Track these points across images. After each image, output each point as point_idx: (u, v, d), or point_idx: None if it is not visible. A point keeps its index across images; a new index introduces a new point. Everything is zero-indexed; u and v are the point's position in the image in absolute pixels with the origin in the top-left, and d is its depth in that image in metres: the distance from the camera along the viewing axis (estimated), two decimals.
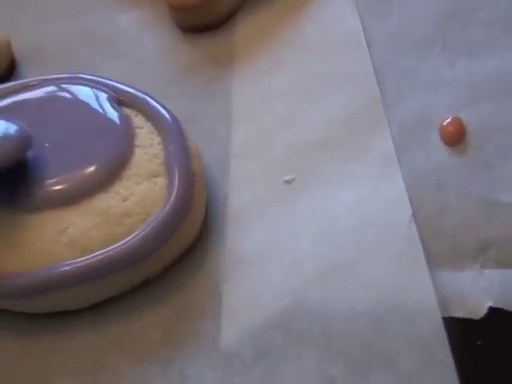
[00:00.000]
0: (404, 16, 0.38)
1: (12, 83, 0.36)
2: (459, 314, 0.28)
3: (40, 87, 0.35)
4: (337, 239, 0.31)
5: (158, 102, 0.34)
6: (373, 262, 0.30)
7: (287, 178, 0.34)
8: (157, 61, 0.41)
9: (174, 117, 0.33)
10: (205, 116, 0.37)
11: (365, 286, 0.29)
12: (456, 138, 0.33)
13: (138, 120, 0.34)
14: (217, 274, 0.31)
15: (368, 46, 0.37)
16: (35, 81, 0.36)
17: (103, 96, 0.34)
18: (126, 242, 0.29)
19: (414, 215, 0.31)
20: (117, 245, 0.29)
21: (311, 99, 0.36)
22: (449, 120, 0.33)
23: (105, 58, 0.41)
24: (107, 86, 0.35)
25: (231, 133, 0.36)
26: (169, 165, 0.32)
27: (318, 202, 0.33)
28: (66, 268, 0.29)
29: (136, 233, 0.30)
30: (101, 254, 0.29)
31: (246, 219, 0.33)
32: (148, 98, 0.34)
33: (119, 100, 0.34)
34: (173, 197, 0.30)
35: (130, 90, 0.35)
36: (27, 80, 0.36)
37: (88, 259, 0.29)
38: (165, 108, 0.34)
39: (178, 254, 0.31)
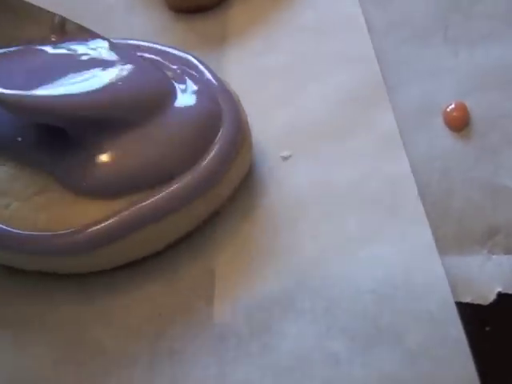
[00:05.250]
0: (404, 5, 0.38)
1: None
2: (467, 299, 0.27)
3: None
4: (337, 218, 0.30)
5: (186, 52, 0.34)
6: (378, 243, 0.29)
7: (284, 154, 0.33)
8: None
9: (197, 56, 0.33)
10: None
11: (370, 266, 0.28)
12: (460, 123, 0.32)
13: None
14: (210, 252, 0.30)
15: (368, 32, 0.37)
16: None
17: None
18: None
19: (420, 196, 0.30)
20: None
21: (308, 78, 0.35)
22: (453, 105, 0.32)
23: None
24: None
25: None
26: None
27: (317, 178, 0.31)
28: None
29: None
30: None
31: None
32: (172, 49, 0.34)
33: None
34: (226, 118, 0.30)
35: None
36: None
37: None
38: (182, 51, 0.33)
39: (228, 195, 0.30)
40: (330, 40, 0.37)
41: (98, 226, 0.28)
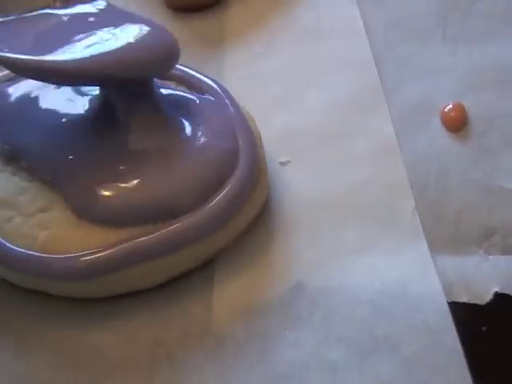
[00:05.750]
0: (402, 4, 0.38)
1: None
2: (464, 299, 0.27)
3: None
4: (335, 227, 0.30)
5: (201, 73, 0.33)
6: (375, 254, 0.29)
7: (282, 159, 0.33)
8: None
9: (222, 85, 0.32)
10: None
11: (367, 276, 0.28)
12: (458, 123, 0.32)
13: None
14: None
15: (365, 32, 0.37)
16: None
17: None
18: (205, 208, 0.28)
19: (416, 200, 0.30)
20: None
21: (307, 82, 0.35)
22: (450, 106, 0.33)
23: None
24: None
25: None
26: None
27: (315, 185, 0.31)
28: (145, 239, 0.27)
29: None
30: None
31: None
32: (189, 70, 0.33)
33: None
34: (244, 159, 0.29)
35: None
36: None
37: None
38: (209, 78, 0.33)
39: (239, 233, 0.29)
40: (328, 43, 0.37)
41: (94, 256, 0.27)
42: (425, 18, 0.37)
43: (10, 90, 0.31)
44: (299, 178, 0.32)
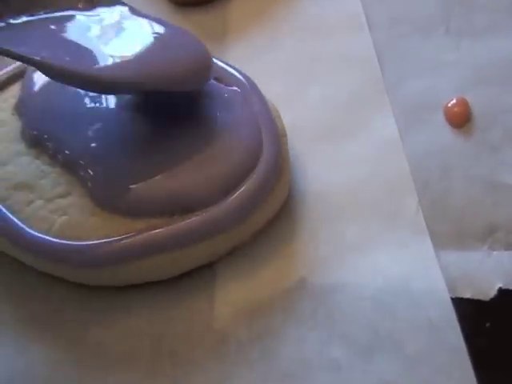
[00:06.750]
0: None
1: None
2: (468, 294, 0.27)
3: None
4: (338, 224, 0.30)
5: (227, 64, 0.32)
6: (378, 250, 0.29)
7: None
8: None
9: (249, 78, 0.32)
10: None
11: (370, 273, 0.28)
12: (461, 119, 0.32)
13: None
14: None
15: (368, 28, 0.37)
16: None
17: None
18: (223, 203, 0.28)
19: (419, 196, 0.30)
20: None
21: (309, 78, 0.35)
22: (454, 101, 0.32)
23: None
24: None
25: None
26: None
27: (317, 182, 0.31)
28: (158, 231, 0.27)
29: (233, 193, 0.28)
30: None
31: None
32: (217, 61, 0.32)
33: None
34: (265, 156, 0.29)
35: None
36: None
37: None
38: (236, 69, 0.32)
39: (271, 217, 0.29)
40: (330, 38, 0.37)
41: (109, 245, 0.27)
42: (428, 13, 0.36)
43: (39, 75, 0.31)
44: (302, 174, 0.32)
